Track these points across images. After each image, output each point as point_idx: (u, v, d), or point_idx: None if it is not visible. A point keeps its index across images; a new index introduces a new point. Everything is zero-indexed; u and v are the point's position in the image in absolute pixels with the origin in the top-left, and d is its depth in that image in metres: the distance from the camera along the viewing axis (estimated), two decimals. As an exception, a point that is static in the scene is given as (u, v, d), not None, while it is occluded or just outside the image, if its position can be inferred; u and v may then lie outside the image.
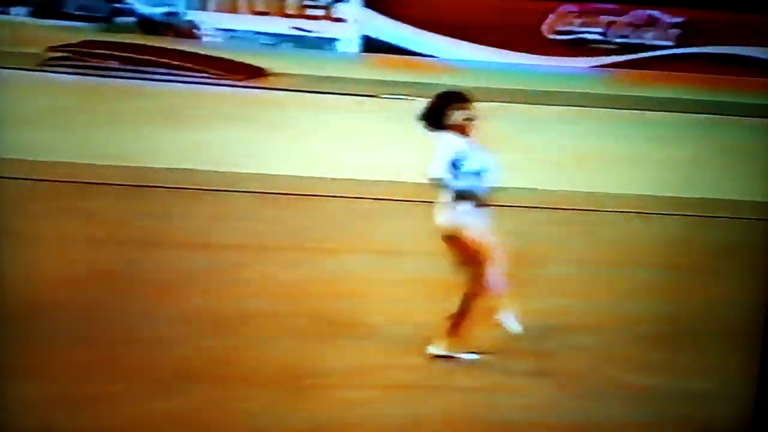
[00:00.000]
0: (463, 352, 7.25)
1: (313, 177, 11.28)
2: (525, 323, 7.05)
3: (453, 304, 7.08)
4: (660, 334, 7.78)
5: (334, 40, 20.00)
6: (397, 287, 8.37)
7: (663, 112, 16.24)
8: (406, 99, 15.54)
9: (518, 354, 7.18)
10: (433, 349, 7.27)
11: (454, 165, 7.10)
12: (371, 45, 19.90)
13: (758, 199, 10.44)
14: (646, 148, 13.85)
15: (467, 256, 7.23)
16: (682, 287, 8.65)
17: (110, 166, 11.12)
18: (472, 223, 7.21)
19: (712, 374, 7.02)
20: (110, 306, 7.58)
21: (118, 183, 10.68)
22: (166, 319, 7.42)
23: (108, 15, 19.52)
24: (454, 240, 7.23)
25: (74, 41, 17.21)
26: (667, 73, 19.43)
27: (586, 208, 11.01)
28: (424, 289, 8.12)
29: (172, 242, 9.03)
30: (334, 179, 11.29)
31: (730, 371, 6.78)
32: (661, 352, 7.46)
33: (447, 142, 7.13)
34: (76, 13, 19.24)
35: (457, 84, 16.44)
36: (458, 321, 7.25)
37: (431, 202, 10.38)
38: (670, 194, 11.44)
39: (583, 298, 8.42)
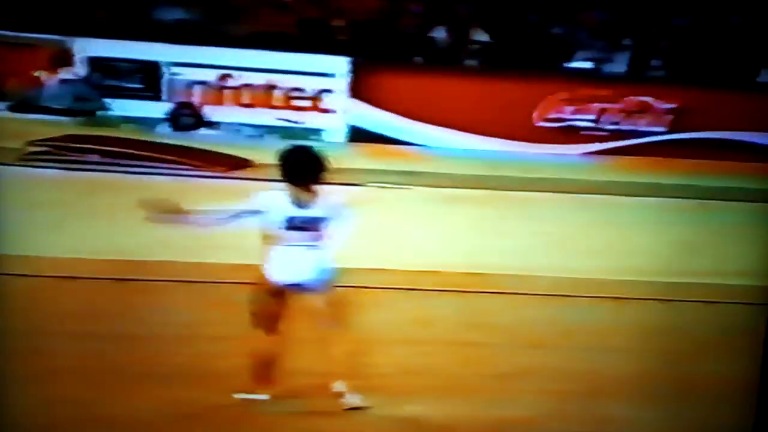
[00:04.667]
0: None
1: None
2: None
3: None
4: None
5: (320, 130, 19.95)
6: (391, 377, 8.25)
7: (655, 198, 16.23)
8: (393, 187, 15.62)
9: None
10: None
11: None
12: (358, 134, 19.86)
13: (752, 282, 10.23)
14: (639, 233, 13.78)
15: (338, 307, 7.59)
16: (673, 374, 8.76)
17: (91, 260, 10.93)
18: None
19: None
20: (98, 401, 7.53)
21: (99, 277, 10.54)
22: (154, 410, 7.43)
23: (90, 109, 19.39)
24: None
25: (55, 135, 17.12)
26: (660, 159, 19.42)
27: (577, 295, 10.93)
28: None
29: (158, 335, 8.94)
30: None
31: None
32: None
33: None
34: (57, 107, 19.09)
35: (447, 172, 16.83)
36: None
37: (423, 290, 10.45)
38: (662, 280, 11.43)
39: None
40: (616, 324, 10.18)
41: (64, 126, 18.33)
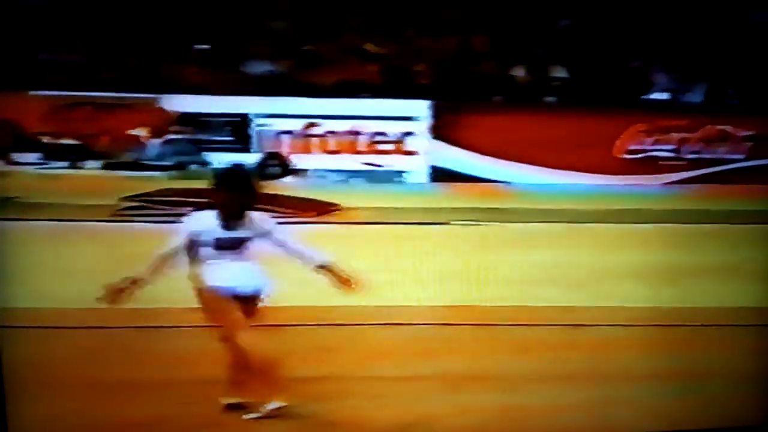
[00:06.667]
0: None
1: (388, 306, 11.31)
2: None
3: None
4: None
5: (403, 172, 20.22)
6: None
7: (737, 225, 16.13)
8: (478, 224, 15.75)
9: None
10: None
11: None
12: (441, 175, 20.10)
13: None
14: (722, 260, 13.74)
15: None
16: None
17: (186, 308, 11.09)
18: None
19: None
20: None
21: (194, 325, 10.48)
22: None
23: (181, 163, 19.85)
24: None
25: (148, 190, 17.38)
26: (741, 186, 19.37)
27: (664, 324, 10.99)
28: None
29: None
30: (407, 306, 11.36)
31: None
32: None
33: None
34: (151, 162, 19.42)
35: (531, 208, 16.94)
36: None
37: (512, 324, 10.55)
38: (749, 305, 11.39)
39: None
40: (701, 349, 10.15)
41: (157, 180, 18.74)
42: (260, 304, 8.02)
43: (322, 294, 11.14)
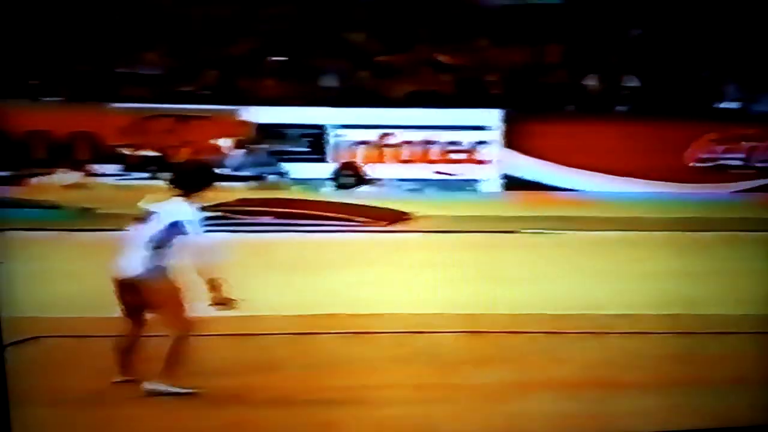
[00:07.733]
0: (179, 387, 8.11)
1: (459, 314, 11.41)
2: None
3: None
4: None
5: (476, 180, 20.45)
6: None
7: None
8: (550, 233, 15.97)
9: None
10: (149, 386, 8.11)
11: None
12: (513, 183, 20.37)
13: None
14: None
15: (165, 300, 8.09)
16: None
17: (267, 316, 11.16)
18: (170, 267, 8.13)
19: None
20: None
21: (274, 332, 10.77)
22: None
23: (260, 173, 20.26)
24: (147, 287, 8.02)
25: (227, 200, 17.56)
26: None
27: (730, 331, 10.92)
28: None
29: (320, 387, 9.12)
30: (479, 314, 11.37)
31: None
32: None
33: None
34: (230, 173, 19.53)
35: (602, 216, 16.97)
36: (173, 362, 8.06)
37: (589, 332, 10.54)
38: None
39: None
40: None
41: (236, 191, 18.80)
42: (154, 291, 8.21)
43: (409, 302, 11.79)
